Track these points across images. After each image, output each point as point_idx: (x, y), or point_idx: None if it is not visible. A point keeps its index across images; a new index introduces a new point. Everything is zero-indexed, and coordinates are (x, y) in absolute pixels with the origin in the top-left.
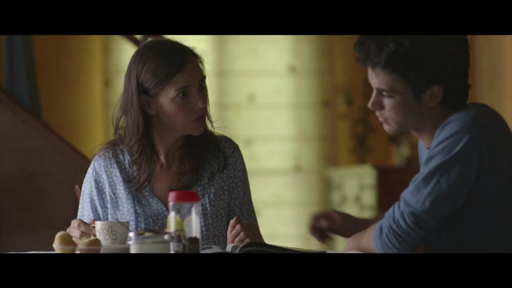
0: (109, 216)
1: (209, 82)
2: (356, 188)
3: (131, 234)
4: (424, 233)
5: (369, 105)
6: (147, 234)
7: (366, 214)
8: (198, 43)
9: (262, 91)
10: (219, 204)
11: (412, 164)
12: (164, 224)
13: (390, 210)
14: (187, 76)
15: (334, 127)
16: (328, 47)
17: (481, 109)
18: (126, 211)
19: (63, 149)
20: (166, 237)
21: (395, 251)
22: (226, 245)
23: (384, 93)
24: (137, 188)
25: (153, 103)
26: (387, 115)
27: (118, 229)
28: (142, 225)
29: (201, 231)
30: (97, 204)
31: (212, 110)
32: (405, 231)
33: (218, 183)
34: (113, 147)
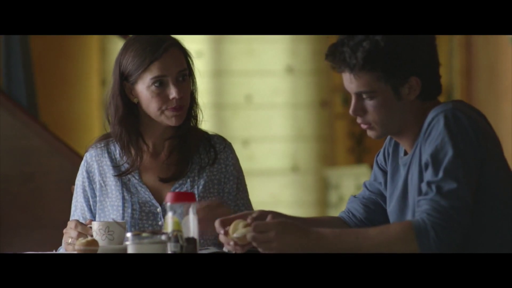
0: (98, 204)
1: (201, 81)
2: (354, 188)
3: (129, 235)
4: (465, 208)
5: (351, 111)
6: (144, 234)
7: None
8: (195, 44)
9: (260, 91)
10: (208, 197)
11: None
12: (150, 212)
13: (418, 218)
14: (163, 65)
15: (332, 127)
16: (325, 47)
17: (458, 102)
18: (114, 197)
19: (60, 150)
20: (163, 237)
21: (452, 242)
22: (214, 236)
23: (364, 96)
24: (123, 173)
25: (134, 90)
26: (370, 119)
27: (115, 230)
28: (129, 210)
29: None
30: (89, 194)
31: (210, 110)
32: (448, 214)
33: (208, 176)
34: (105, 138)
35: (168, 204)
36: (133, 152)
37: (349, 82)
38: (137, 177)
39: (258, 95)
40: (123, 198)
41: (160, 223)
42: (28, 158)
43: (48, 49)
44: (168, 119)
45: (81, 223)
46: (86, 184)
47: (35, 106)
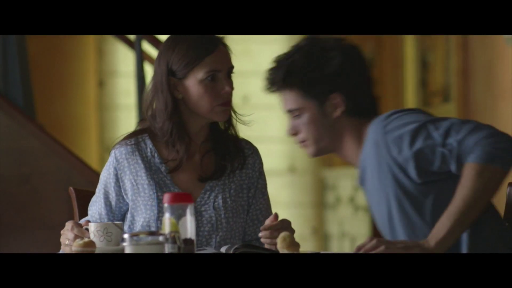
0: (131, 204)
1: None
2: (351, 189)
3: (126, 236)
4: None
5: (286, 132)
6: (141, 235)
7: (361, 214)
8: None
9: (257, 91)
10: (238, 201)
11: None
12: None
13: (471, 156)
14: (217, 60)
15: None
16: None
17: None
18: (147, 197)
19: (57, 151)
20: (160, 238)
21: None
22: (240, 241)
23: (294, 114)
24: (174, 168)
25: (181, 85)
26: (303, 136)
27: (113, 231)
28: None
29: (221, 223)
30: (112, 190)
31: None
32: (489, 131)
33: (238, 180)
34: (135, 136)
35: (166, 205)
36: (179, 145)
37: (282, 102)
38: (168, 178)
39: (255, 96)
40: (158, 198)
41: None
42: (25, 159)
43: (45, 50)
44: (218, 115)
45: (78, 225)
46: (112, 182)
47: (32, 107)
